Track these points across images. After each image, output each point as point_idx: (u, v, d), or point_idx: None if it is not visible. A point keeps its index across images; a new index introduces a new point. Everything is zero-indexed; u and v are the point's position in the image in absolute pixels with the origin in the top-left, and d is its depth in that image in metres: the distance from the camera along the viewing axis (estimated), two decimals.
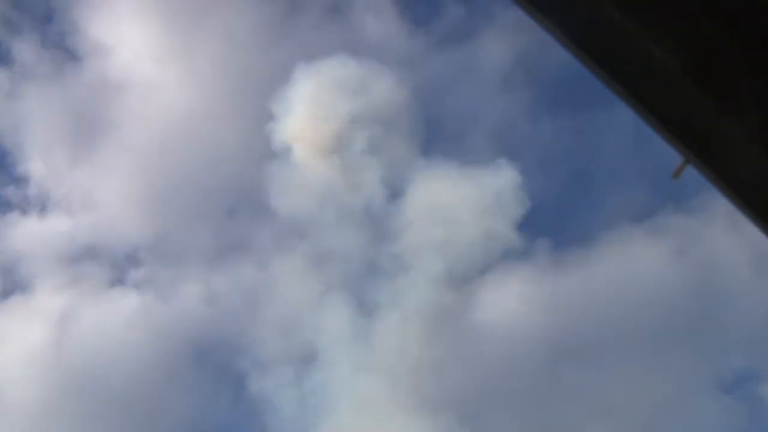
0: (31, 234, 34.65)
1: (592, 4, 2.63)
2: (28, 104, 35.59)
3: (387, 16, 34.53)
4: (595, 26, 2.56)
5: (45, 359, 32.56)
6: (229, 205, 35.82)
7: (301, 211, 31.73)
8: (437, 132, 32.85)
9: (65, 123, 35.81)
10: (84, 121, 35.61)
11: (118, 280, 34.80)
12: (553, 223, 40.16)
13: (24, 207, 34.89)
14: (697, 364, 31.81)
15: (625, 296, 31.95)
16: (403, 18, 37.24)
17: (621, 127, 35.57)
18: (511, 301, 32.56)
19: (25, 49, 35.01)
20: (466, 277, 32.28)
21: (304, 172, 31.74)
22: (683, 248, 32.94)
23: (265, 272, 33.21)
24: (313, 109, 31.55)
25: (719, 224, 31.86)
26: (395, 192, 31.71)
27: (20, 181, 34.92)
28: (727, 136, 2.62)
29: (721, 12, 2.54)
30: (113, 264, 34.80)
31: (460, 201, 31.08)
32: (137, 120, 35.09)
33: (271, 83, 32.21)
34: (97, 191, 35.70)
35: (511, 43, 35.27)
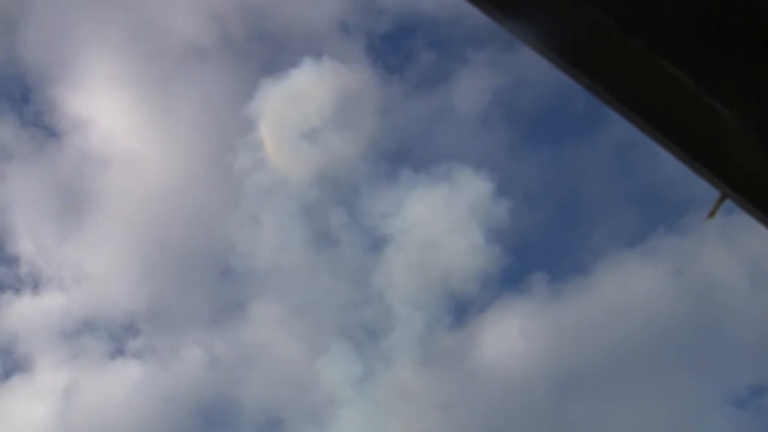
0: (27, 313, 34.37)
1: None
2: (12, 185, 35.50)
3: (360, 65, 34.70)
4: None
5: None
6: (221, 264, 35.62)
7: (287, 261, 31.85)
8: (419, 171, 32.83)
9: (51, 200, 35.68)
10: (69, 196, 35.52)
11: (117, 351, 34.48)
12: (547, 256, 40.10)
13: (16, 286, 34.62)
14: (706, 382, 31.68)
15: (626, 321, 31.87)
16: (376, 67, 37.40)
17: (603, 154, 35.74)
18: (512, 337, 32.41)
19: (4, 131, 34.99)
20: (464, 315, 32.23)
21: (286, 224, 31.93)
22: (679, 268, 32.93)
23: (263, 329, 33.03)
24: (291, 161, 31.78)
25: (713, 241, 31.91)
26: (378, 236, 31.78)
27: (10, 261, 34.66)
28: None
29: None
30: (111, 335, 34.50)
31: (448, 239, 31.10)
32: (122, 190, 35.05)
33: (249, 140, 32.35)
34: (89, 264, 35.46)
35: (485, 82, 35.45)
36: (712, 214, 2.92)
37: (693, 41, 2.40)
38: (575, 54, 2.56)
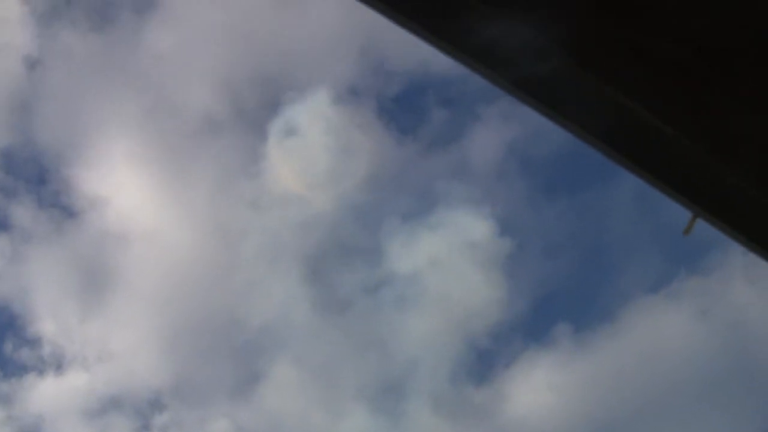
0: (50, 394, 34.27)
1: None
2: (32, 266, 35.63)
3: (371, 127, 34.90)
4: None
5: None
6: (242, 333, 35.56)
7: (306, 325, 31.93)
8: (434, 227, 32.74)
9: (71, 279, 35.78)
10: (89, 274, 35.58)
11: (144, 427, 34.26)
12: (570, 307, 39.70)
13: (40, 368, 34.57)
14: (743, 424, 31.11)
15: (656, 367, 31.49)
16: (389, 128, 37.64)
17: (621, 200, 35.60)
18: (540, 390, 32.05)
19: (22, 213, 35.25)
20: (489, 371, 31.94)
21: (303, 287, 32.09)
22: (705, 309, 32.58)
23: (286, 396, 32.88)
24: (305, 226, 31.99)
25: (736, 279, 31.60)
26: (394, 292, 31.70)
27: (33, 342, 34.64)
28: (737, 188, 2.58)
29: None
30: (137, 412, 34.32)
31: (467, 294, 30.96)
32: (141, 266, 35.15)
33: (264, 207, 32.59)
34: (112, 342, 35.43)
35: (499, 135, 35.54)
36: (687, 231, 2.90)
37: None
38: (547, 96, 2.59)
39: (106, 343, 35.76)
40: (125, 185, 35.49)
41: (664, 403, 31.54)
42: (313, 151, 32.38)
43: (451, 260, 31.20)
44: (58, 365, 35.14)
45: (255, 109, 36.48)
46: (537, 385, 31.89)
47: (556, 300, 37.98)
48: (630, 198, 35.63)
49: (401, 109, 41.12)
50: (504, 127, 35.49)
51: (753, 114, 2.56)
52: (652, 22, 2.41)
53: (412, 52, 32.84)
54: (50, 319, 35.39)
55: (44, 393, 35.01)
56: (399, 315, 31.54)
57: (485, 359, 32.48)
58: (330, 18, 35.97)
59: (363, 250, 32.44)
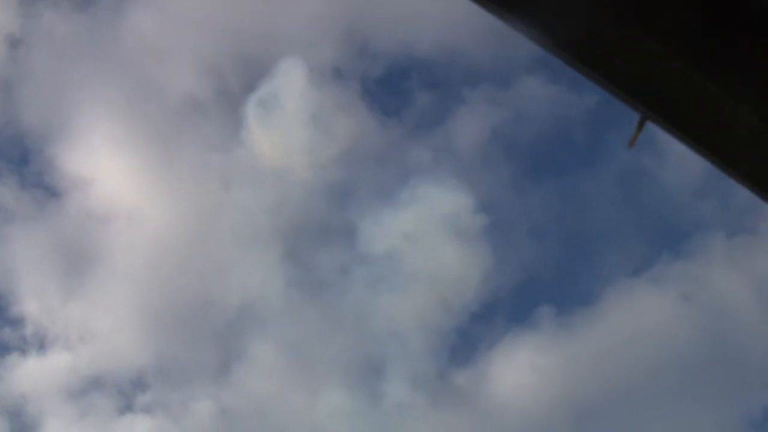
0: (33, 373, 34.19)
1: None
2: (15, 246, 35.50)
3: (356, 111, 34.80)
4: None
5: None
6: (225, 314, 35.54)
7: (287, 307, 31.94)
8: (414, 205, 32.80)
9: (54, 259, 35.61)
10: (72, 255, 35.43)
11: (126, 406, 34.23)
12: (553, 290, 39.76)
13: (22, 347, 34.48)
14: (723, 407, 31.25)
15: (637, 350, 31.55)
16: (372, 110, 37.55)
17: (604, 184, 35.61)
18: (523, 372, 32.09)
19: (4, 193, 35.13)
20: (472, 353, 31.98)
21: (285, 269, 32.06)
22: (687, 293, 32.64)
23: (269, 377, 32.89)
24: (287, 209, 31.94)
25: (718, 262, 31.66)
26: (377, 274, 31.68)
27: (15, 322, 34.55)
28: (688, 87, 2.48)
29: None
30: (120, 391, 34.26)
31: (450, 277, 30.96)
32: (124, 246, 35.02)
33: (247, 189, 32.53)
34: (94, 322, 35.32)
35: (483, 119, 35.50)
36: (632, 143, 2.77)
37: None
38: (579, 49, 2.53)
39: (88, 323, 35.65)
40: (108, 165, 35.39)
41: (646, 386, 31.64)
42: (296, 131, 32.28)
43: (434, 241, 31.20)
44: (41, 345, 35.02)
45: (238, 90, 36.31)
46: (519, 366, 31.94)
47: (539, 282, 37.97)
48: (614, 182, 35.72)
49: (385, 90, 40.99)
50: (488, 110, 35.47)
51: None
52: None
53: (396, 34, 32.83)
54: (33, 299, 35.25)
55: (27, 373, 34.92)
56: (380, 294, 31.54)
57: (467, 340, 32.61)
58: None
59: (344, 229, 32.42)
